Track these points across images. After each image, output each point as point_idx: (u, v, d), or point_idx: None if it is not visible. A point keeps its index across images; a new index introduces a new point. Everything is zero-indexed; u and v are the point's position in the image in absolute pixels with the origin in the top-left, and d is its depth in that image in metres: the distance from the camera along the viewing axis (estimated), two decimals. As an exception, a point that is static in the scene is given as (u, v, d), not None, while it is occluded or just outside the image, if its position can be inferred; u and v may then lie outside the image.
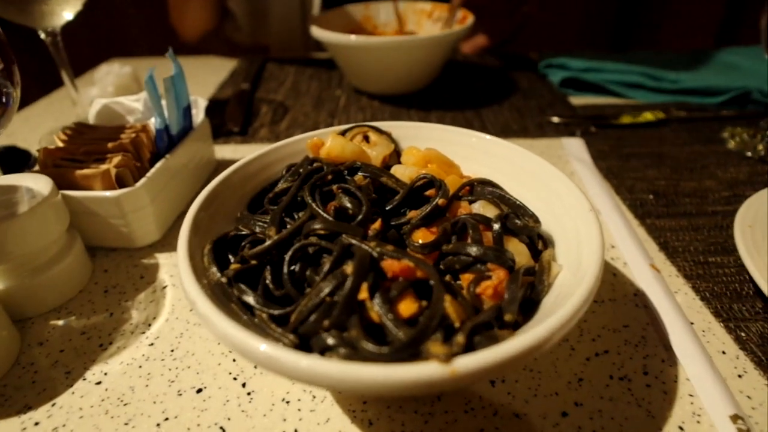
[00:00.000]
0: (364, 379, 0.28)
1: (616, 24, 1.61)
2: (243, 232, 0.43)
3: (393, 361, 0.29)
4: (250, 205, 0.48)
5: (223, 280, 0.37)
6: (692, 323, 0.49)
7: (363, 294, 0.33)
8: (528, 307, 0.38)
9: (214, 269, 0.38)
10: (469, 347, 0.32)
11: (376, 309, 0.33)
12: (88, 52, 1.30)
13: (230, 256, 0.42)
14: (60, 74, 0.80)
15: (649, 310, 0.50)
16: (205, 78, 1.19)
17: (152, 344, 0.49)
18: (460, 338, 0.31)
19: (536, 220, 0.43)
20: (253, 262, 0.39)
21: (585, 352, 0.46)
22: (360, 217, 0.40)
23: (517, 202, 0.45)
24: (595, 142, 0.83)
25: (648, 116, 0.88)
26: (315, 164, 0.48)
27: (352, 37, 0.88)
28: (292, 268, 0.38)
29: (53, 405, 0.43)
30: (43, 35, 0.75)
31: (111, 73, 0.89)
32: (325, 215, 0.40)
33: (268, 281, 0.38)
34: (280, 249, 0.39)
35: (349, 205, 0.41)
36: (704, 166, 0.75)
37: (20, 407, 0.43)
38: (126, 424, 0.41)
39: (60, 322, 0.51)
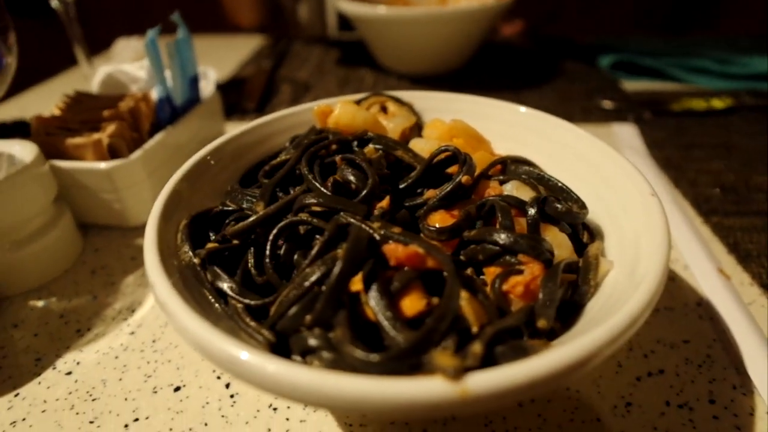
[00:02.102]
0: (345, 395, 0.21)
1: (672, 7, 1.47)
2: (229, 208, 0.37)
3: (386, 372, 0.22)
4: (243, 178, 0.42)
5: (196, 260, 0.31)
6: (772, 342, 0.40)
7: (357, 285, 0.26)
8: (568, 311, 0.31)
9: (186, 248, 0.32)
10: (489, 360, 0.24)
11: (371, 304, 0.26)
12: (120, 32, 1.27)
13: (212, 236, 0.36)
14: (73, 47, 0.76)
15: (716, 324, 0.41)
16: (228, 55, 1.14)
17: (133, 333, 0.43)
18: (476, 348, 0.23)
19: (582, 206, 0.35)
20: (235, 241, 0.33)
21: (635, 371, 0.38)
22: (364, 192, 0.33)
23: (559, 184, 0.37)
24: (650, 130, 0.73)
25: (715, 103, 0.77)
26: (321, 134, 0.41)
27: (382, 9, 0.81)
28: (279, 250, 0.32)
29: (16, 395, 0.38)
30: (54, 2, 0.71)
31: (128, 47, 0.85)
32: (322, 189, 0.33)
33: (250, 265, 0.32)
34: (268, 227, 0.33)
35: (352, 178, 0.34)
36: (782, 159, 0.65)
37: (-19, 395, 0.38)
38: (91, 422, 0.36)
39: (39, 303, 0.47)
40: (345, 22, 1.09)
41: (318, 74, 1.00)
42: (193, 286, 0.31)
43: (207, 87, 0.66)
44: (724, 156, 0.66)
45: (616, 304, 0.27)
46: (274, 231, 0.31)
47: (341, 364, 0.24)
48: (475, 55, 0.98)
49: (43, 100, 0.95)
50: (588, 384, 0.37)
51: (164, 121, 0.57)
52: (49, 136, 0.52)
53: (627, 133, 0.71)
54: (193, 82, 0.61)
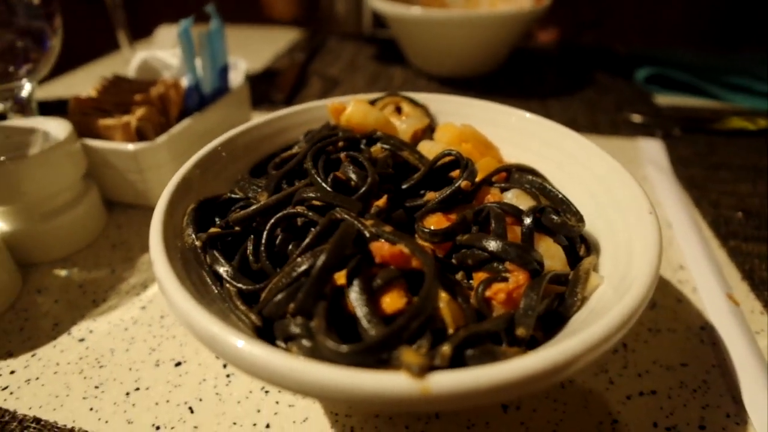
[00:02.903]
0: (309, 381, 0.22)
1: (727, 22, 1.39)
2: (236, 196, 0.38)
3: (355, 364, 0.23)
4: (256, 168, 0.43)
5: (197, 243, 0.33)
6: (775, 374, 0.38)
7: (342, 279, 0.28)
8: (554, 323, 0.31)
9: (190, 231, 0.34)
10: (459, 362, 0.25)
11: (351, 297, 0.27)
12: (165, 18, 1.32)
13: (218, 221, 0.37)
14: (116, 32, 0.80)
15: (717, 350, 0.41)
16: (264, 47, 1.17)
17: (144, 307, 0.46)
18: (445, 349, 0.24)
19: (579, 219, 0.35)
20: (237, 228, 0.35)
21: (626, 389, 0.38)
22: (362, 190, 0.34)
23: (560, 196, 0.37)
24: (678, 147, 0.71)
25: (748, 124, 0.75)
26: (333, 131, 0.43)
27: (416, 10, 0.81)
28: (276, 240, 0.33)
29: (33, 356, 0.41)
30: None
31: (169, 35, 0.89)
32: (322, 184, 0.34)
33: (248, 252, 0.34)
34: (268, 217, 0.34)
35: (353, 176, 0.35)
36: (815, 186, 0.62)
37: (2, 353, 0.41)
38: (96, 387, 0.38)
39: (62, 273, 0.50)
40: (380, 19, 1.10)
41: (349, 70, 1.02)
42: (192, 267, 0.32)
43: (237, 77, 0.68)
44: (752, 179, 0.64)
45: (596, 318, 0.27)
46: (271, 221, 0.32)
47: (317, 352, 0.25)
48: (507, 60, 0.97)
49: (87, 81, 1.00)
50: (576, 397, 0.37)
51: (192, 108, 0.59)
52: (84, 115, 0.55)
53: (653, 148, 0.70)
54: (223, 72, 0.63)
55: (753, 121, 0.76)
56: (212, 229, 0.34)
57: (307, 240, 0.30)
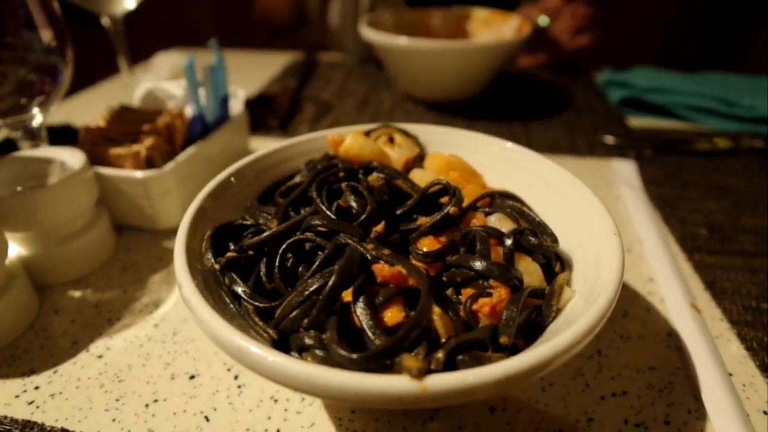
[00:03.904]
0: (327, 384, 0.26)
1: (698, 51, 1.48)
2: (247, 222, 0.42)
3: (362, 369, 0.27)
4: (262, 196, 0.47)
5: (216, 266, 0.37)
6: (731, 374, 0.43)
7: (348, 296, 0.32)
8: (534, 332, 0.35)
9: (209, 255, 0.38)
10: (451, 366, 0.29)
11: (358, 312, 0.31)
12: (159, 41, 1.36)
13: (232, 246, 0.41)
14: (117, 59, 0.84)
15: (682, 354, 0.45)
16: (256, 72, 1.22)
17: (156, 325, 0.49)
18: (439, 355, 0.28)
19: (554, 240, 0.39)
20: (251, 252, 0.39)
21: (601, 390, 0.42)
22: (363, 217, 0.38)
23: (537, 219, 0.42)
24: (649, 168, 0.77)
25: (712, 144, 0.81)
26: (333, 161, 0.47)
27: (402, 39, 0.86)
28: (287, 262, 0.37)
29: (55, 372, 0.44)
30: (104, 20, 0.79)
31: (167, 62, 0.93)
32: (327, 212, 0.38)
33: (262, 273, 0.37)
34: (279, 242, 0.38)
35: (354, 204, 0.39)
36: (772, 203, 0.68)
37: (25, 369, 0.44)
38: (117, 400, 0.42)
39: (77, 294, 0.53)
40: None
41: (340, 95, 1.06)
42: (212, 288, 0.36)
43: (236, 105, 0.72)
44: (717, 196, 0.70)
45: (566, 328, 0.31)
46: (283, 246, 0.36)
47: (329, 360, 0.29)
48: (491, 84, 1.03)
49: (88, 105, 1.03)
50: (555, 399, 0.41)
51: (196, 135, 0.63)
52: (93, 145, 0.59)
53: (626, 169, 0.75)
54: (224, 101, 0.67)
55: (716, 141, 0.82)
56: (229, 254, 0.38)
57: (317, 263, 0.34)
